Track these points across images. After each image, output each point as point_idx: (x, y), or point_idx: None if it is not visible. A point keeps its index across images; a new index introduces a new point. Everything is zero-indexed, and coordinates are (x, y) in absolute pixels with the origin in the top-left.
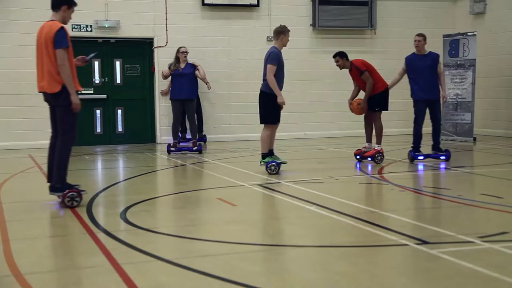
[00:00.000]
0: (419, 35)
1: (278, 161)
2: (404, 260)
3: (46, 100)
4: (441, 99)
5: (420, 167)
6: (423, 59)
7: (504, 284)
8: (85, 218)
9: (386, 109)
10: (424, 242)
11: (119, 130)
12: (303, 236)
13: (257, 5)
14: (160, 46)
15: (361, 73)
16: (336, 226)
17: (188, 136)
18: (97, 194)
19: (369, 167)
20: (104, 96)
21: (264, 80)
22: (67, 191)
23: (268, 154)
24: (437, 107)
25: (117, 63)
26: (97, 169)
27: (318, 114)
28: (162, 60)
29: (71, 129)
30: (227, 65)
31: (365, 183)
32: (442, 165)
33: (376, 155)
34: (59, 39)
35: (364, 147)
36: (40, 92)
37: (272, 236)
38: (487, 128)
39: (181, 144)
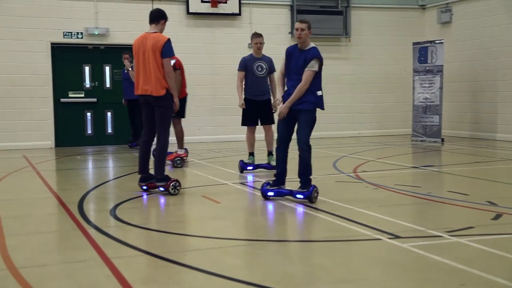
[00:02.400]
0: (300, 21)
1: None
2: (377, 254)
3: (145, 101)
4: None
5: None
6: (299, 55)
7: (470, 275)
8: (77, 215)
9: (183, 116)
10: (396, 237)
11: (109, 131)
12: (283, 231)
13: (239, 14)
14: None
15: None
16: (314, 222)
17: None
18: (88, 192)
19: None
20: (95, 100)
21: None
22: (170, 180)
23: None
24: (300, 119)
25: (107, 69)
26: (88, 169)
27: None
28: None
29: (168, 126)
30: (210, 71)
31: (341, 182)
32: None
33: (176, 159)
34: (167, 49)
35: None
36: (140, 94)
37: (253, 231)
38: (454, 129)
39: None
